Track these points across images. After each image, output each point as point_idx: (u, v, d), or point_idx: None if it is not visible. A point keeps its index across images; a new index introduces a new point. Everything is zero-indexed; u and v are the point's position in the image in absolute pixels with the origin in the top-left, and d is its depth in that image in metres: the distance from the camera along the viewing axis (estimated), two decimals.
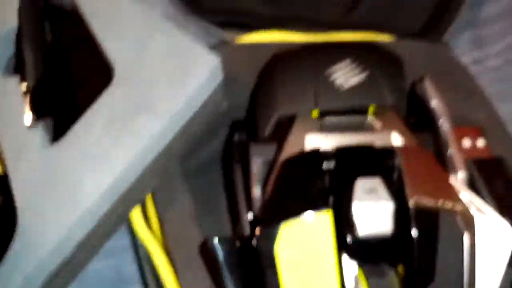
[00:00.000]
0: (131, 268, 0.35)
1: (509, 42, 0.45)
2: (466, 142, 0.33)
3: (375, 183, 0.28)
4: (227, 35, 0.41)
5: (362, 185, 0.28)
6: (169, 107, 0.30)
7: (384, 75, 0.32)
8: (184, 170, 0.33)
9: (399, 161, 0.28)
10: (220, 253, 0.28)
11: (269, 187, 0.29)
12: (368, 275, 0.28)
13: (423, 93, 0.34)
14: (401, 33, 0.41)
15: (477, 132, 0.34)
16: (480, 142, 0.34)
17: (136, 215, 0.32)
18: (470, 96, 0.36)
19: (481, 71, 0.43)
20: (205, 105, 0.31)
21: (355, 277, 0.28)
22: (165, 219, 0.32)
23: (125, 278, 0.35)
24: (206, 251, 0.29)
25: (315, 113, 0.31)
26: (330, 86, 0.31)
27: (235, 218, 0.31)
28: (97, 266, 0.33)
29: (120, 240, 0.36)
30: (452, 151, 0.31)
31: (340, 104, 0.31)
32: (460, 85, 0.37)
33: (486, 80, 0.43)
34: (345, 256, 0.28)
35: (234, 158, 0.32)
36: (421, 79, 0.34)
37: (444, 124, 0.32)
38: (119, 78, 0.31)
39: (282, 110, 0.31)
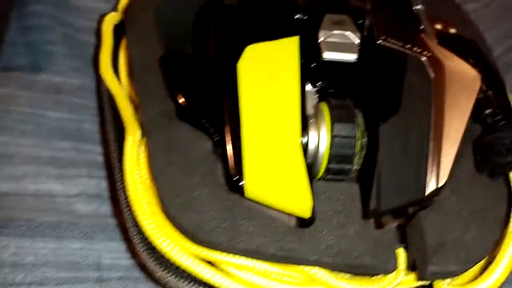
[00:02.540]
0: (92, 127, 0.36)
1: None
2: (438, 25, 0.34)
3: (343, 17, 0.30)
4: None
5: (330, 18, 0.30)
6: None
7: None
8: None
9: (370, 11, 0.30)
10: (178, 69, 0.29)
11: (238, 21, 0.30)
12: (331, 106, 0.28)
13: None
14: None
15: (449, 23, 0.35)
16: (452, 30, 0.34)
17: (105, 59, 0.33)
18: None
19: None
20: None
21: (316, 104, 0.28)
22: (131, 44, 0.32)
23: (85, 135, 0.36)
24: (165, 67, 0.30)
25: None
26: None
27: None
28: (61, 116, 0.35)
29: (84, 98, 0.37)
30: (424, 23, 0.32)
31: None
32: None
33: None
34: (308, 86, 0.29)
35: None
36: None
37: (420, 9, 0.33)
38: None
39: None
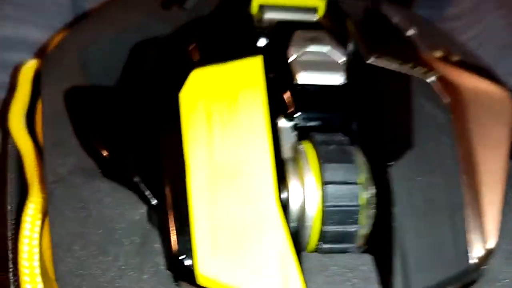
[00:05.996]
0: None
1: None
2: (438, 53, 0.26)
3: (319, 33, 0.22)
4: None
5: (301, 33, 0.22)
6: None
7: None
8: None
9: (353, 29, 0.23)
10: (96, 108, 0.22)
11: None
12: (316, 143, 0.19)
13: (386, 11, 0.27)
14: None
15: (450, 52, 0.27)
16: (456, 57, 0.26)
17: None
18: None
19: None
20: None
21: (295, 145, 0.20)
22: None
23: None
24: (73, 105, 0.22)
25: (255, 7, 0.24)
26: None
27: None
28: None
29: None
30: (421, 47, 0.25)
31: None
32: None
33: None
34: (282, 121, 0.21)
35: None
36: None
37: (413, 34, 0.26)
38: None
39: None
